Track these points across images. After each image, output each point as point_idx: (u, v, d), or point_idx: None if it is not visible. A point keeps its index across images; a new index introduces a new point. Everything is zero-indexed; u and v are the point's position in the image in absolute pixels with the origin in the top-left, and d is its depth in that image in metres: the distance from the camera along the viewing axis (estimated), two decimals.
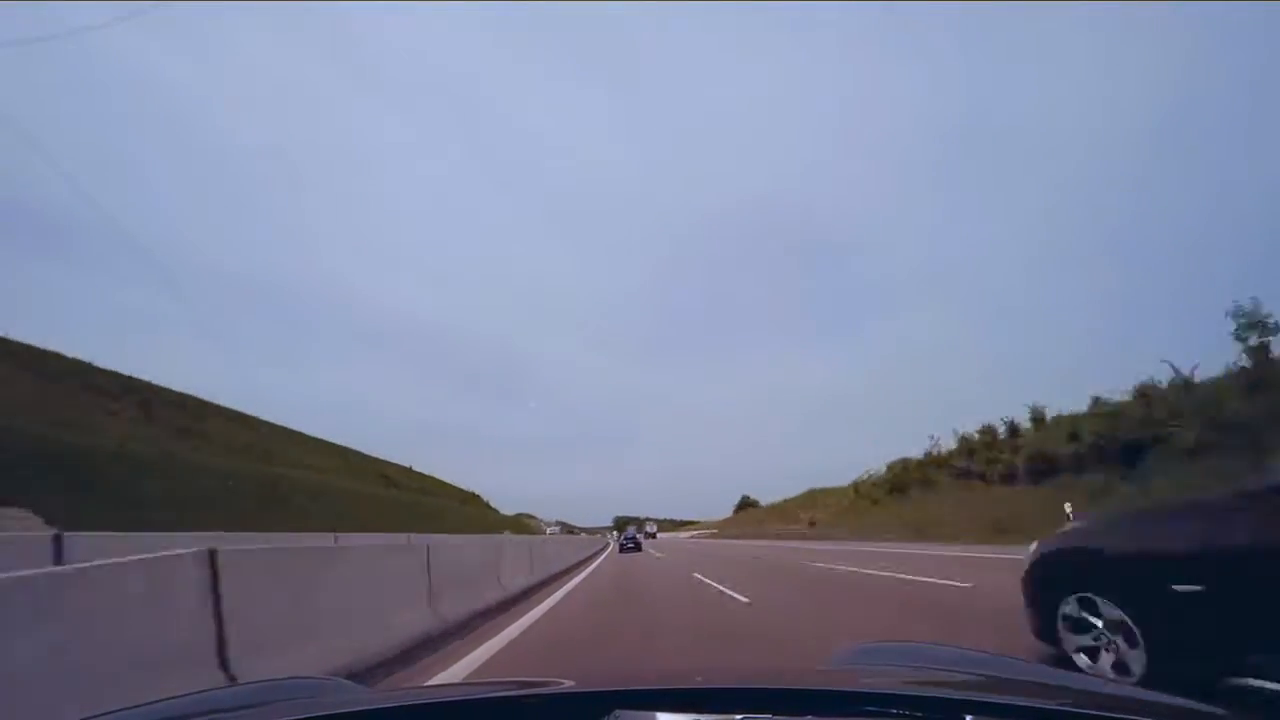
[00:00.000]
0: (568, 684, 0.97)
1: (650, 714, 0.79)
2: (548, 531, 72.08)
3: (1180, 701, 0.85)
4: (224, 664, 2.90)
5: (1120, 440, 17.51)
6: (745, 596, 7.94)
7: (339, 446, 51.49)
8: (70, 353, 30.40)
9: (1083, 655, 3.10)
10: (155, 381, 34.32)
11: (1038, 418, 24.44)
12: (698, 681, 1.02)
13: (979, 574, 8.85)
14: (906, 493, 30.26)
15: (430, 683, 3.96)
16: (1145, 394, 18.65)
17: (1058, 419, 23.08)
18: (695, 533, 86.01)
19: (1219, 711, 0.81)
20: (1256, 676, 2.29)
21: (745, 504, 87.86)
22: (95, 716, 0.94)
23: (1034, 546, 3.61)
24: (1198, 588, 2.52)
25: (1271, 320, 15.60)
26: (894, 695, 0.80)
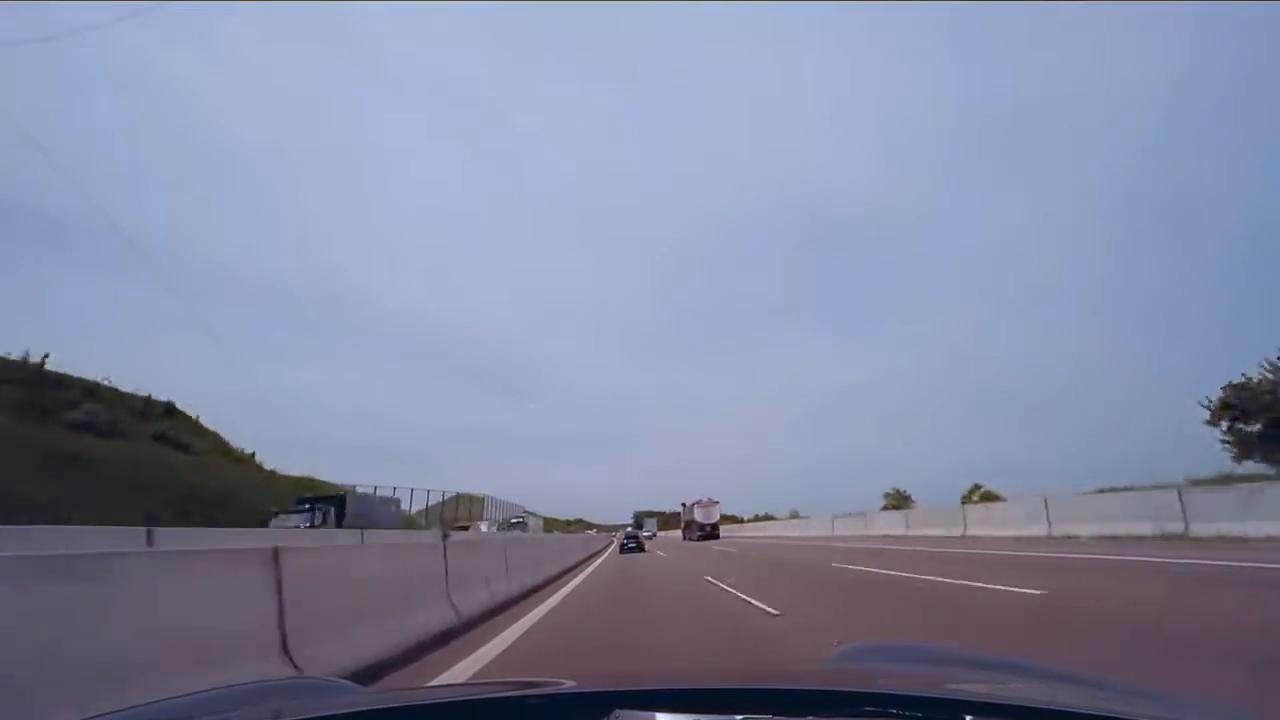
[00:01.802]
0: (568, 684, 0.97)
1: (650, 714, 0.79)
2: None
3: (1183, 699, 0.85)
4: None
5: None
6: None
7: None
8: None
9: None
10: None
11: None
12: (698, 681, 1.02)
13: None
14: None
15: (430, 683, 3.95)
16: None
17: None
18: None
19: (1223, 706, 0.81)
20: None
21: None
22: (95, 717, 0.94)
23: None
24: None
25: None
26: (894, 695, 0.80)
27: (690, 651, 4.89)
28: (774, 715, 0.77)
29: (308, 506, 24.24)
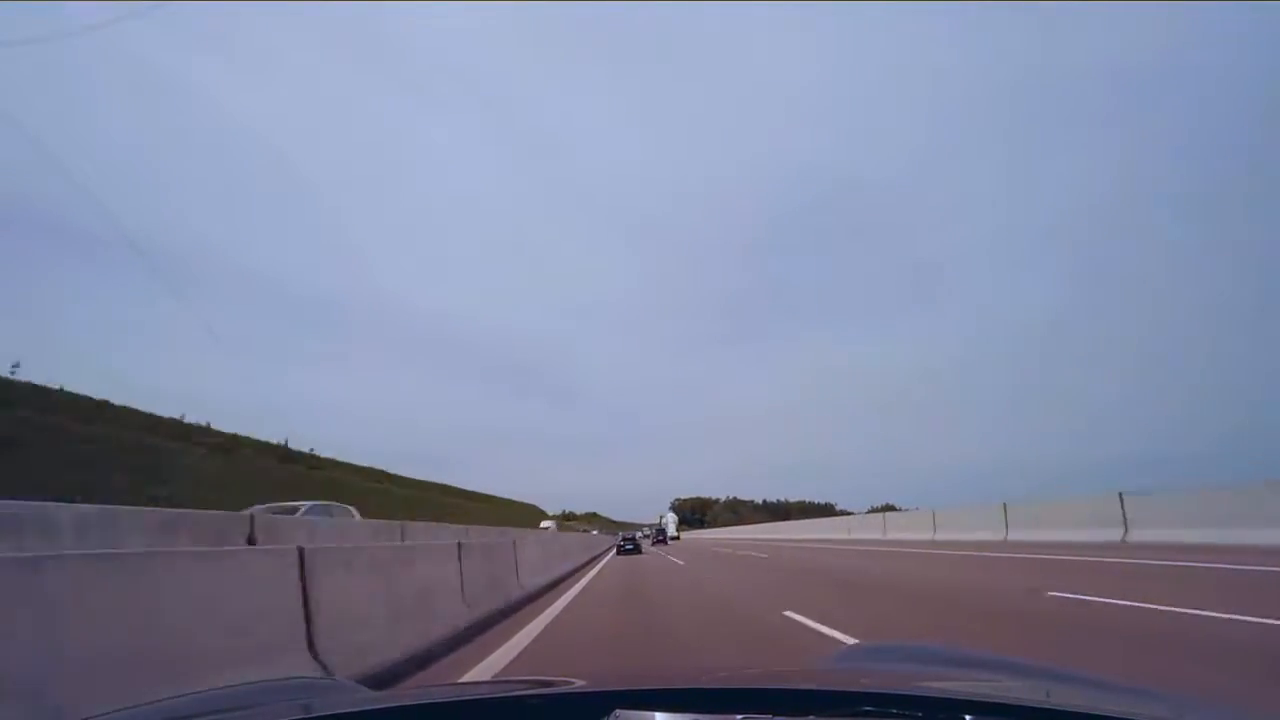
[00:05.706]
0: (568, 684, 0.97)
1: (650, 714, 0.79)
2: None
3: (1183, 699, 0.84)
4: None
5: None
6: None
7: None
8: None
9: None
10: None
11: None
12: (698, 681, 1.02)
13: None
14: None
15: (430, 684, 3.95)
16: None
17: None
18: None
19: (1221, 706, 0.81)
20: None
21: None
22: (95, 716, 0.94)
23: None
24: None
25: None
26: (894, 695, 0.80)
27: None
28: (774, 715, 0.77)
29: None
